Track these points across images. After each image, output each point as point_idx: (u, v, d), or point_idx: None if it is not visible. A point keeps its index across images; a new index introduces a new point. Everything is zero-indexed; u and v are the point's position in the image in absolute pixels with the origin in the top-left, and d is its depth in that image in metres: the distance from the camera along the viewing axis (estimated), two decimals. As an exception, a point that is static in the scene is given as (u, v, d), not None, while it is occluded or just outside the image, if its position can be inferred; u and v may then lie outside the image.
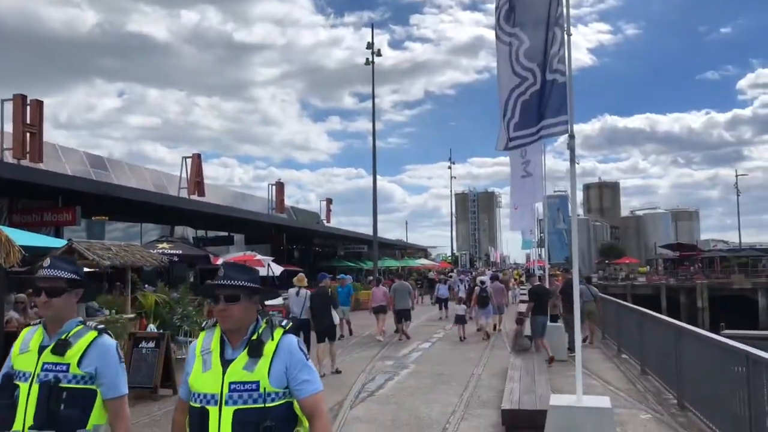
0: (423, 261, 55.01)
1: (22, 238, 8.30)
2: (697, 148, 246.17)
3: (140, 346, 8.85)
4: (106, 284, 12.25)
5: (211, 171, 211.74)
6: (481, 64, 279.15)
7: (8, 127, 16.76)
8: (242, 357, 2.34)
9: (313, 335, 10.74)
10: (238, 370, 2.31)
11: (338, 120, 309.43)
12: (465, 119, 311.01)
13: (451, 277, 29.91)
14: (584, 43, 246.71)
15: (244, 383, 2.29)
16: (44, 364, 2.52)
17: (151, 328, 10.97)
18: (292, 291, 11.34)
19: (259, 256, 21.07)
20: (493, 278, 19.49)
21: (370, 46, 29.65)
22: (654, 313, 10.21)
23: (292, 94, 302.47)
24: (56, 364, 2.51)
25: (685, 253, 58.36)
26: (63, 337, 2.58)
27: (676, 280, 48.59)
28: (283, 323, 2.48)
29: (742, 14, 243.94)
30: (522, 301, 17.20)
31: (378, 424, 7.32)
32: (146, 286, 13.34)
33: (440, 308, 21.28)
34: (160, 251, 13.87)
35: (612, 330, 14.12)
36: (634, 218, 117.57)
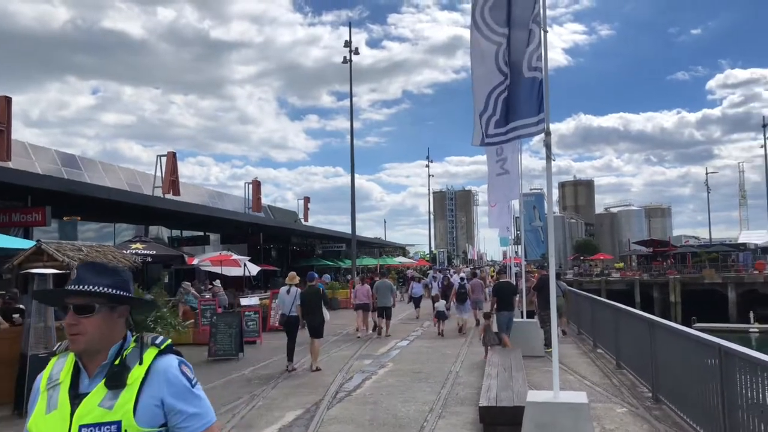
0: (401, 259, 55.13)
1: (-12, 239, 8.03)
2: (669, 147, 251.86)
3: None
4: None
5: (187, 170, 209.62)
6: (459, 63, 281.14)
7: (-26, 125, 16.33)
8: (99, 389, 1.74)
9: (304, 331, 11.32)
10: (92, 408, 1.72)
11: (316, 118, 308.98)
12: (442, 118, 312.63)
13: (427, 275, 29.93)
14: (559, 43, 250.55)
15: (100, 425, 1.69)
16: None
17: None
18: (283, 289, 11.75)
19: (235, 256, 20.88)
20: (473, 275, 20.12)
21: (347, 44, 29.55)
22: (628, 308, 10.32)
23: (270, 93, 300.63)
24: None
25: (657, 249, 59.36)
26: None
27: (650, 276, 49.26)
28: (158, 341, 1.83)
29: (712, 16, 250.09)
30: None
31: (356, 424, 7.26)
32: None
33: (415, 307, 21.32)
34: (134, 252, 13.59)
35: (587, 325, 14.31)
36: (609, 215, 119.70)
